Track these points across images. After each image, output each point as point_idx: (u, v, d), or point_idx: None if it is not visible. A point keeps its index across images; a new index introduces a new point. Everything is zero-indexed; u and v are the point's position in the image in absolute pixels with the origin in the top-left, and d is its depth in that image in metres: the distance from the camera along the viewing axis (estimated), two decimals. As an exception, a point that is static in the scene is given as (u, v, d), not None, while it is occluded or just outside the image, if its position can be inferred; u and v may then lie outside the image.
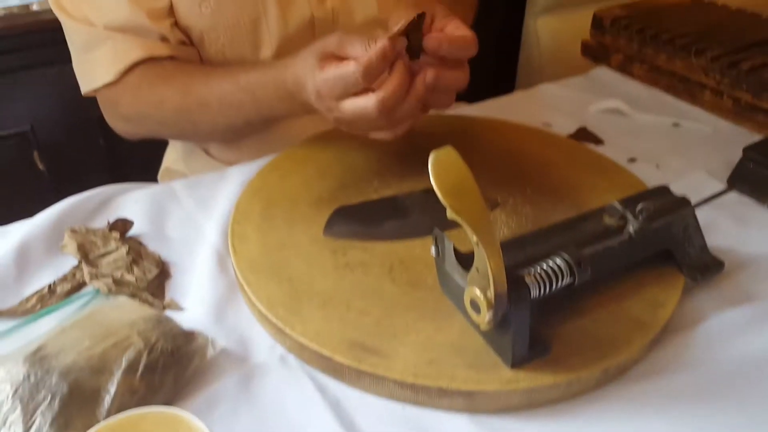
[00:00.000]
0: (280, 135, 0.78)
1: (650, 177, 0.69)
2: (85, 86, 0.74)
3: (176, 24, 0.73)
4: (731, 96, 0.83)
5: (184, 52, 0.74)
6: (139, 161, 0.99)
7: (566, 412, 0.45)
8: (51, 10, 0.73)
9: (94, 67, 0.71)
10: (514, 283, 0.42)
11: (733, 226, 0.64)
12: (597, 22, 0.99)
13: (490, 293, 0.41)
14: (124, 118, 0.76)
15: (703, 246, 0.55)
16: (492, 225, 0.41)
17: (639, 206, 0.50)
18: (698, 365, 0.49)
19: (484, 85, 0.87)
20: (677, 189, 0.59)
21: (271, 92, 0.65)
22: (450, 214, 0.41)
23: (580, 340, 0.47)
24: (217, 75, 0.70)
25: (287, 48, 0.73)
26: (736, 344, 0.50)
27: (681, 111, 0.87)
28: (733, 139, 0.79)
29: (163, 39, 0.71)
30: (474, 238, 0.41)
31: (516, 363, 0.45)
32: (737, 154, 0.70)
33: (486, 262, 0.41)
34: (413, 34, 0.56)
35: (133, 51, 0.69)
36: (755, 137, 0.78)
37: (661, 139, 0.80)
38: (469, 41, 0.57)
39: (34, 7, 0.99)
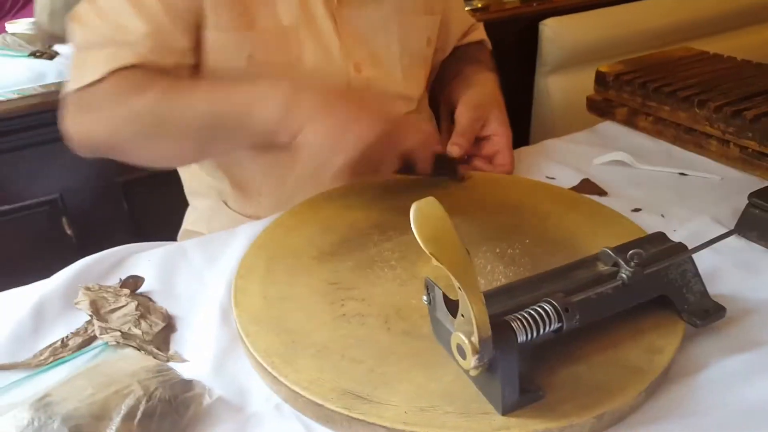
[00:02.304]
0: (295, 189, 0.80)
1: (654, 226, 0.68)
2: (72, 85, 0.72)
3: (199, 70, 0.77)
4: (738, 144, 0.84)
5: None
6: (160, 223, 1.03)
7: (561, 461, 0.44)
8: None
9: (83, 67, 0.71)
10: (500, 328, 0.43)
11: (739, 273, 0.63)
12: (600, 78, 1.01)
13: (475, 338, 0.42)
14: (89, 113, 0.72)
15: (704, 292, 0.54)
16: (473, 271, 0.42)
17: (630, 252, 0.50)
18: (698, 414, 0.47)
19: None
20: (681, 236, 0.59)
21: (272, 90, 0.67)
22: (433, 261, 0.42)
23: (575, 387, 0.47)
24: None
25: None
26: (738, 392, 0.49)
27: (688, 161, 0.87)
28: (742, 186, 0.78)
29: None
30: (456, 284, 0.42)
31: (507, 409, 0.44)
32: (745, 202, 0.70)
33: (469, 307, 0.41)
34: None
35: (128, 57, 0.70)
36: (765, 184, 0.77)
37: (666, 189, 0.80)
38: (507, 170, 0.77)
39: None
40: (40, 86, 1.15)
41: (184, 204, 0.99)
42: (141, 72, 0.71)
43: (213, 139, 0.71)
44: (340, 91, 0.70)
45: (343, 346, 0.52)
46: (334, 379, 0.49)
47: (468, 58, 0.95)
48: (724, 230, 0.69)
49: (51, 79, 1.18)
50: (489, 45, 1.02)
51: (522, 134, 1.61)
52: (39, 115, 1.08)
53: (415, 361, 0.50)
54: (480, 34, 1.01)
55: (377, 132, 0.64)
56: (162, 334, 0.58)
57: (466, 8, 1.77)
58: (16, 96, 1.12)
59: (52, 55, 1.28)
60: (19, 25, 1.50)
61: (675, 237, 0.58)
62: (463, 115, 0.79)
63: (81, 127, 0.73)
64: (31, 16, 1.82)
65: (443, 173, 0.75)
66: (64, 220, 1.10)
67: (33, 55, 1.28)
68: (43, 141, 1.07)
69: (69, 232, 1.09)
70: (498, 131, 0.79)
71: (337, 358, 0.51)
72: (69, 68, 0.74)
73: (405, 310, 0.56)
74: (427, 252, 0.41)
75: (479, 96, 0.83)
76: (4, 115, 1.06)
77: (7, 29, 1.52)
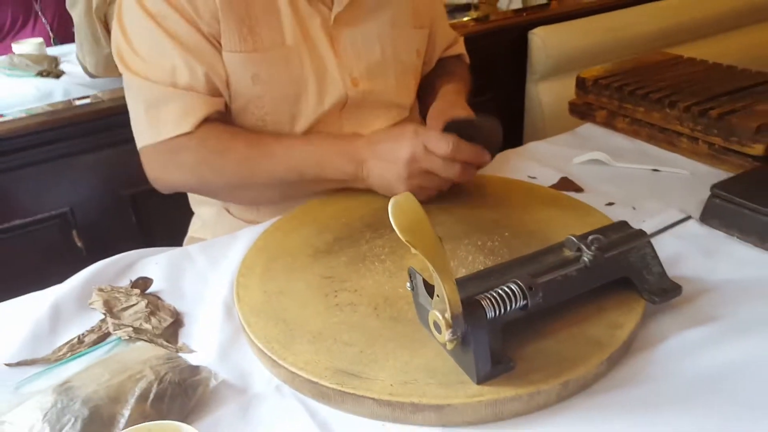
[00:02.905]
0: (296, 198, 0.87)
1: (625, 218, 0.73)
2: (151, 138, 0.81)
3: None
4: (706, 141, 0.89)
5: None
6: (167, 233, 1.09)
7: (533, 423, 0.49)
8: (90, 105, 0.85)
9: (161, 122, 0.80)
10: (470, 305, 0.48)
11: (700, 257, 0.69)
12: (580, 83, 1.07)
13: (448, 314, 0.47)
14: (179, 165, 0.82)
15: (662, 273, 0.60)
16: (446, 255, 0.48)
17: (590, 238, 0.55)
18: (656, 382, 0.53)
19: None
20: (649, 226, 0.65)
21: (334, 148, 0.80)
22: (412, 249, 0.47)
23: (543, 359, 0.52)
24: (286, 134, 0.84)
25: (320, 120, 0.86)
26: (693, 362, 0.54)
27: (661, 158, 0.93)
28: (710, 180, 0.82)
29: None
30: (431, 267, 0.47)
31: (481, 379, 0.50)
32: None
33: (442, 287, 0.47)
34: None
35: (201, 107, 0.80)
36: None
37: (640, 184, 0.86)
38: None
39: (75, 102, 1.13)
40: (47, 105, 1.21)
41: (189, 214, 1.04)
42: (216, 127, 0.81)
43: (292, 190, 0.83)
44: (382, 135, 0.79)
45: (336, 331, 0.57)
46: (327, 360, 0.54)
47: (443, 71, 1.02)
48: (690, 221, 0.75)
49: (58, 97, 1.24)
50: (467, 59, 1.09)
51: (515, 138, 1.67)
52: (47, 133, 1.14)
53: (401, 342, 0.55)
54: (459, 48, 1.08)
55: (404, 158, 0.74)
56: (171, 328, 0.64)
57: (465, 18, 1.85)
58: (24, 115, 1.18)
59: (58, 74, 1.34)
60: (25, 46, 1.56)
61: (643, 227, 0.63)
62: (432, 125, 0.85)
63: (167, 176, 0.84)
64: (32, 35, 1.89)
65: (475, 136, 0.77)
66: (74, 233, 1.15)
67: (40, 74, 1.34)
68: (52, 157, 1.13)
69: (79, 244, 1.15)
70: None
71: (331, 342, 0.56)
72: (139, 124, 0.82)
73: (393, 299, 0.61)
74: (404, 240, 0.46)
75: (443, 104, 0.90)
76: (14, 134, 1.12)
77: (13, 50, 1.59)
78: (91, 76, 1.35)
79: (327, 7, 0.84)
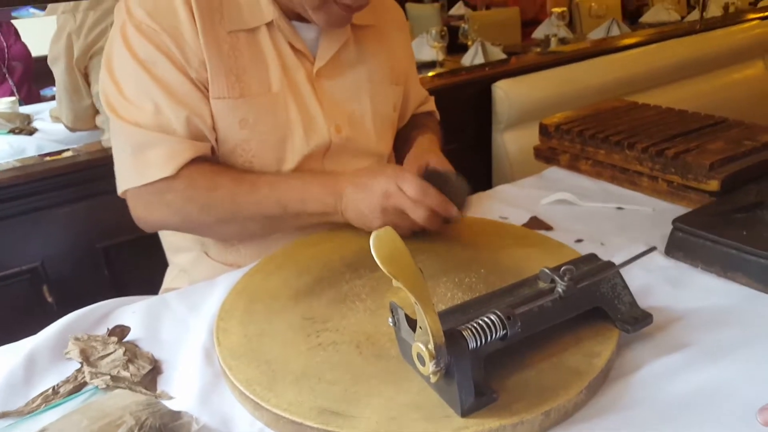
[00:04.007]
0: (276, 238, 0.89)
1: (596, 253, 0.76)
2: (136, 182, 0.82)
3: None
4: (665, 179, 0.94)
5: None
6: (140, 287, 1.07)
7: (516, 455, 0.50)
8: (61, 159, 0.85)
9: (147, 165, 0.81)
10: (452, 336, 0.49)
11: (668, 287, 0.71)
12: (543, 130, 1.12)
13: (431, 345, 0.48)
14: (165, 205, 0.83)
15: (633, 302, 0.62)
16: (426, 287, 0.49)
17: (562, 269, 0.58)
18: (635, 408, 0.54)
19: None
20: (618, 260, 0.67)
21: (316, 180, 0.83)
22: (394, 282, 0.49)
23: (525, 389, 0.53)
24: (270, 172, 0.87)
25: (305, 163, 0.89)
26: (668, 387, 0.56)
27: (624, 197, 0.97)
28: (672, 216, 0.86)
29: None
30: (412, 299, 0.48)
31: (465, 411, 0.50)
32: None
33: (424, 318, 0.48)
34: None
35: (186, 151, 0.81)
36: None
37: (606, 221, 0.89)
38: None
39: (46, 158, 1.13)
40: (16, 160, 1.21)
41: (164, 267, 1.04)
42: (202, 167, 0.83)
43: (276, 224, 0.86)
44: (363, 171, 0.84)
45: (319, 371, 0.58)
46: (311, 400, 0.54)
47: (417, 124, 1.08)
48: (656, 254, 0.78)
49: (31, 153, 1.24)
50: (437, 115, 1.15)
51: (484, 182, 1.72)
52: (18, 187, 1.13)
53: (385, 379, 0.56)
54: (431, 106, 1.14)
55: (378, 192, 0.78)
56: (149, 375, 0.63)
57: (431, 73, 1.93)
58: (-5, 170, 1.17)
59: (31, 131, 1.35)
60: (-2, 104, 1.57)
61: (613, 260, 0.65)
62: (408, 167, 0.90)
63: (152, 216, 0.86)
64: (5, 94, 1.90)
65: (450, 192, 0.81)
66: (45, 287, 1.13)
67: (12, 131, 1.35)
68: (23, 211, 1.12)
69: (50, 299, 1.13)
70: (438, 165, 0.88)
71: (314, 381, 0.56)
72: (124, 167, 0.84)
73: (375, 336, 0.62)
74: (386, 272, 0.48)
75: (418, 150, 0.95)
76: (-16, 189, 1.11)
77: (-14, 108, 1.58)
78: (71, 129, 1.37)
79: (309, 61, 0.88)
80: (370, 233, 0.75)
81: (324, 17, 0.82)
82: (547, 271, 0.59)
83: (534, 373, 0.55)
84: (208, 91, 0.83)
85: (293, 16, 0.86)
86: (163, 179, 0.81)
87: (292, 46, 0.87)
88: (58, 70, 1.32)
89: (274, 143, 0.86)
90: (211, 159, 0.86)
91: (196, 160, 0.82)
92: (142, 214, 0.86)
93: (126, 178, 0.84)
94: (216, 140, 0.86)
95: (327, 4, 0.81)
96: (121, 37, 0.82)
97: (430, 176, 0.80)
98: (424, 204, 0.77)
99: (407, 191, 0.77)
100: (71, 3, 1.33)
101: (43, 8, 1.37)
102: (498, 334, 0.51)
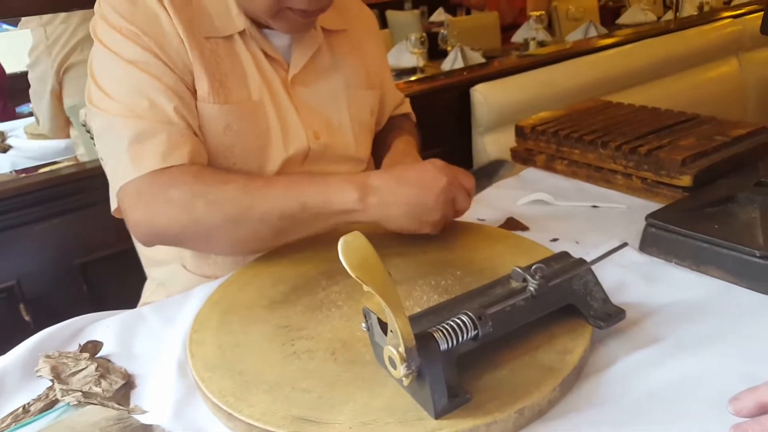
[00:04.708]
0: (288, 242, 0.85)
1: (570, 252, 0.76)
2: (135, 172, 0.75)
3: None
4: (638, 176, 0.94)
5: None
6: (119, 303, 1.06)
7: (491, 455, 0.50)
8: (37, 176, 0.84)
9: (146, 155, 0.75)
10: (423, 338, 0.49)
11: (642, 283, 0.72)
12: (519, 131, 1.12)
13: (402, 348, 0.48)
14: (168, 201, 0.75)
15: (605, 298, 0.62)
16: (396, 290, 0.49)
17: (534, 267, 0.58)
18: (609, 404, 0.54)
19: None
20: (593, 257, 0.67)
21: (340, 177, 0.78)
22: (365, 287, 0.49)
23: (498, 388, 0.53)
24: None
25: (285, 170, 0.88)
26: (642, 382, 0.56)
27: (599, 195, 0.98)
28: (646, 212, 0.87)
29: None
30: (382, 303, 0.48)
31: (439, 413, 0.50)
32: (646, 224, 0.79)
33: (394, 322, 0.48)
34: None
35: (187, 142, 0.78)
36: (664, 208, 0.87)
37: (581, 220, 0.90)
38: None
39: (22, 174, 1.12)
40: (-10, 177, 1.20)
41: (142, 281, 1.03)
42: (209, 166, 0.80)
43: (293, 224, 0.77)
44: (395, 167, 0.81)
45: (294, 379, 0.57)
46: (285, 408, 0.54)
47: (393, 128, 1.08)
48: (630, 250, 0.78)
49: (5, 170, 1.23)
50: (413, 117, 1.16)
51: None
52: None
53: (360, 385, 0.55)
54: (406, 108, 1.14)
55: (442, 184, 0.76)
56: (122, 390, 0.62)
57: (413, 78, 1.94)
58: (-32, 188, 1.15)
59: (5, 149, 1.34)
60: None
61: (587, 258, 0.65)
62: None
63: (154, 216, 0.76)
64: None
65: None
66: (21, 306, 1.12)
67: (-14, 149, 1.33)
68: (-1, 228, 1.11)
69: (27, 318, 1.11)
70: None
71: (288, 390, 0.56)
72: (120, 162, 0.77)
73: (350, 342, 0.62)
74: (354, 276, 0.47)
75: (395, 153, 0.96)
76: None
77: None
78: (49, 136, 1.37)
79: (284, 69, 0.88)
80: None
81: (282, 24, 0.83)
82: (518, 270, 0.59)
83: (507, 372, 0.55)
84: (193, 92, 0.82)
85: (263, 24, 0.86)
86: (168, 169, 0.75)
87: (267, 54, 0.87)
88: (34, 77, 1.32)
89: (256, 150, 0.86)
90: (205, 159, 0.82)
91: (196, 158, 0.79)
92: (140, 215, 0.77)
93: (123, 174, 0.76)
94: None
95: (282, 12, 0.80)
96: (103, 45, 0.80)
97: None
98: (472, 195, 0.80)
99: (465, 182, 0.79)
100: (44, 17, 1.32)
101: (15, 23, 1.37)
102: (469, 334, 0.51)
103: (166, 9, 0.80)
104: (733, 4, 3.06)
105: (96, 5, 0.83)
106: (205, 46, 0.82)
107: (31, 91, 1.44)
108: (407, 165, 0.80)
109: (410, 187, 0.75)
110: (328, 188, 0.76)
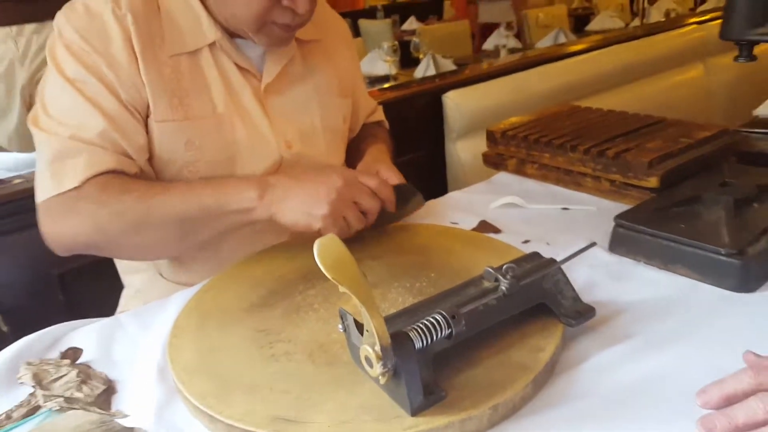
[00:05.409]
0: (229, 256, 0.88)
1: (541, 253, 0.79)
2: (53, 190, 0.78)
3: (150, 158, 0.85)
4: (607, 179, 0.97)
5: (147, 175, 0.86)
6: (96, 312, 1.06)
7: (467, 450, 0.51)
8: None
9: (64, 175, 0.78)
10: (398, 337, 0.51)
11: (611, 282, 0.74)
12: (490, 136, 1.15)
13: (377, 347, 0.49)
14: (77, 213, 0.78)
15: (576, 297, 0.64)
16: (371, 291, 0.50)
17: (505, 267, 0.60)
18: (581, 399, 0.56)
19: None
20: (563, 257, 0.69)
21: (239, 178, 0.81)
22: (340, 287, 0.50)
23: (473, 386, 0.55)
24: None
25: None
26: (614, 378, 0.58)
27: (569, 198, 1.00)
28: (615, 213, 0.90)
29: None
30: (358, 302, 0.49)
31: (415, 410, 0.51)
32: (615, 225, 0.82)
33: (370, 321, 0.49)
34: None
35: (107, 162, 0.79)
36: (632, 209, 0.90)
37: (552, 222, 0.92)
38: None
39: (-3, 183, 1.11)
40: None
41: (120, 289, 1.03)
42: (119, 176, 0.80)
43: (194, 226, 0.80)
44: (298, 170, 0.82)
45: (273, 381, 0.58)
46: (264, 409, 0.55)
47: (367, 135, 1.10)
48: (599, 250, 0.81)
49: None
50: (386, 124, 1.18)
51: (440, 190, 1.75)
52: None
53: (338, 385, 0.57)
54: (380, 115, 1.17)
55: (337, 185, 0.77)
56: (103, 395, 0.62)
57: (386, 86, 1.96)
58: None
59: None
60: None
61: (558, 258, 0.68)
62: None
63: (63, 230, 0.80)
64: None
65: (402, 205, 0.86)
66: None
67: (-39, 161, 1.32)
68: (-27, 241, 1.10)
69: (4, 329, 1.10)
70: (388, 174, 0.90)
71: (267, 391, 0.57)
72: (42, 178, 0.80)
73: (327, 344, 0.63)
74: (329, 277, 0.49)
75: (368, 160, 0.97)
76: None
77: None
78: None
79: (257, 78, 0.89)
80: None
81: (265, 39, 0.84)
82: (490, 270, 0.61)
83: (481, 370, 0.57)
84: (141, 114, 0.82)
85: (236, 34, 0.87)
86: (76, 188, 0.78)
87: (238, 65, 0.88)
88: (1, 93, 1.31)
89: (222, 163, 0.87)
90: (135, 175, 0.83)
91: (116, 173, 0.80)
92: (51, 227, 0.81)
93: (42, 189, 0.80)
94: (151, 161, 0.85)
95: (267, 26, 0.82)
96: (51, 57, 0.81)
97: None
98: (382, 193, 0.80)
99: (368, 182, 0.79)
100: (13, 28, 1.31)
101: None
102: (443, 333, 0.53)
103: (124, 27, 0.81)
104: (698, 10, 3.15)
105: (57, 16, 0.84)
106: (165, 65, 0.83)
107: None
108: (309, 169, 0.83)
109: (303, 182, 0.78)
110: (226, 188, 0.79)
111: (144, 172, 0.85)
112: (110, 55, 0.80)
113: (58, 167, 0.79)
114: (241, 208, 0.78)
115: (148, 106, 0.82)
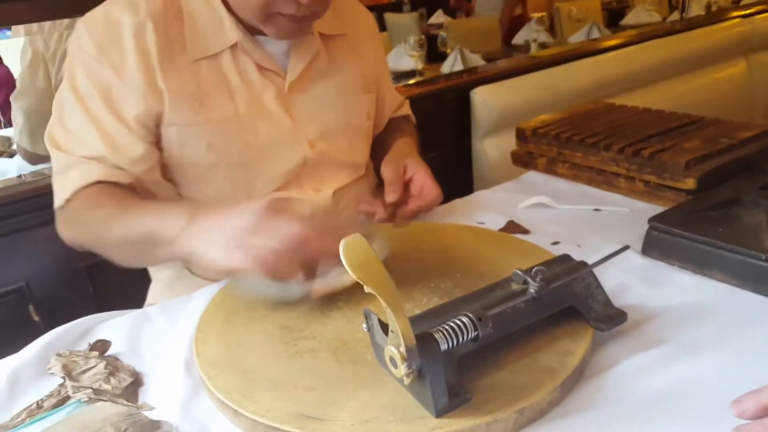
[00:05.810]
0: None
1: (571, 255, 0.77)
2: (57, 202, 0.83)
3: (164, 166, 0.86)
4: (641, 179, 0.95)
5: (151, 185, 0.86)
6: (125, 303, 1.07)
7: (491, 454, 0.50)
8: (42, 180, 0.86)
9: (64, 186, 0.82)
10: (424, 338, 0.50)
11: (644, 286, 0.72)
12: (520, 134, 1.13)
13: (402, 348, 0.49)
14: (68, 223, 0.83)
15: (607, 300, 0.63)
16: (396, 292, 0.50)
17: (534, 270, 0.58)
18: (610, 405, 0.55)
19: (447, 197, 0.99)
20: (593, 261, 0.68)
21: (179, 204, 0.76)
22: (366, 288, 0.50)
23: (499, 389, 0.54)
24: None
25: (280, 181, 0.89)
26: (643, 384, 0.57)
27: (602, 198, 0.98)
28: (648, 216, 0.87)
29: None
30: (383, 303, 0.49)
31: (439, 412, 0.51)
32: (649, 228, 0.80)
33: (395, 322, 0.49)
34: None
35: (96, 174, 0.80)
36: (667, 212, 0.87)
37: (583, 223, 0.90)
38: (436, 200, 0.86)
39: (27, 178, 1.14)
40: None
41: (147, 282, 1.04)
42: (98, 188, 0.81)
43: (142, 251, 0.78)
44: (231, 211, 0.67)
45: (297, 377, 0.58)
46: (289, 405, 0.55)
47: (393, 129, 1.08)
48: (632, 254, 0.79)
49: (12, 174, 1.25)
50: (413, 119, 1.16)
51: (466, 188, 1.74)
52: (1, 208, 1.13)
53: (361, 383, 0.57)
54: (406, 110, 1.15)
55: (258, 206, 0.65)
56: (130, 388, 0.63)
57: (411, 81, 1.94)
58: (-25, 193, 1.17)
59: (11, 154, 1.36)
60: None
61: (589, 261, 0.66)
62: (386, 170, 0.90)
63: (71, 236, 0.84)
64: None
65: None
66: (31, 307, 1.13)
67: (-7, 154, 1.36)
68: (6, 232, 1.12)
69: (36, 318, 1.13)
70: (417, 170, 0.89)
71: (291, 388, 0.57)
72: (53, 189, 0.85)
73: (351, 343, 0.63)
74: (355, 277, 0.48)
75: (395, 153, 0.95)
76: (-33, 211, 1.11)
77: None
78: (32, 157, 1.39)
79: (280, 77, 0.89)
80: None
81: (273, 30, 0.83)
82: (519, 272, 0.60)
83: (508, 373, 0.56)
84: (149, 125, 0.83)
85: (258, 32, 0.86)
86: (68, 200, 0.81)
87: (260, 66, 0.87)
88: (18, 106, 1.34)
89: (244, 165, 0.87)
90: (133, 186, 0.84)
91: (109, 184, 0.81)
92: (63, 233, 0.85)
93: (55, 200, 0.84)
94: (173, 166, 0.86)
95: (272, 17, 0.81)
96: (66, 64, 0.84)
97: None
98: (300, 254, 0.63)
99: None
100: (45, 24, 1.33)
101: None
102: (470, 335, 0.52)
103: (141, 37, 0.81)
104: (742, 3, 3.05)
105: (77, 23, 0.84)
106: (185, 70, 0.83)
107: (19, 105, 1.45)
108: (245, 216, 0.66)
109: (223, 214, 0.67)
110: (163, 213, 0.72)
111: (142, 180, 0.84)
112: (124, 68, 0.81)
113: (59, 181, 0.83)
114: (170, 236, 0.69)
115: (160, 115, 0.83)
